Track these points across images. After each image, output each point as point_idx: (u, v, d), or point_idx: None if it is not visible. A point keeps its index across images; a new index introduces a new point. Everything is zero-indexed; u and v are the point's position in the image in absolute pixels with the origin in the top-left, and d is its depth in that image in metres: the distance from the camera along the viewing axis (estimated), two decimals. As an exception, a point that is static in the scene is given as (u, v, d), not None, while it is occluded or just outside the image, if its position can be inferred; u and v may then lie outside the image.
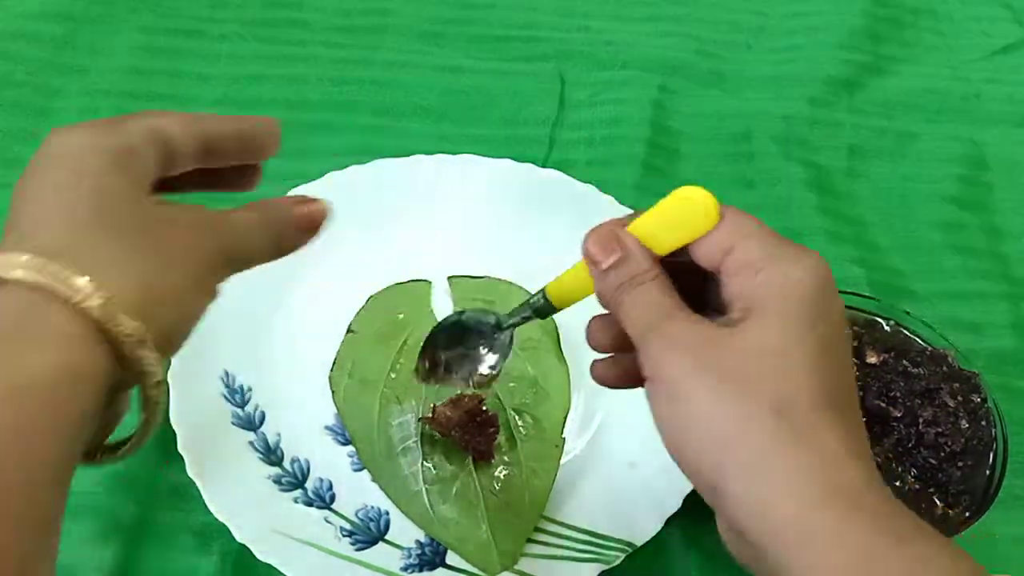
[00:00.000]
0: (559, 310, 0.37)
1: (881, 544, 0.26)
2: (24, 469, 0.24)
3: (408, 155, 0.57)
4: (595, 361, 0.37)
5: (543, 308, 0.37)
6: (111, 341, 0.26)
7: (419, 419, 0.47)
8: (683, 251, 0.32)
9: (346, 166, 0.56)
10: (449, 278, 0.53)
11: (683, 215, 0.32)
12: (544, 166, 0.59)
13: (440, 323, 0.44)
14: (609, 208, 0.55)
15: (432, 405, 0.47)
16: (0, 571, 0.23)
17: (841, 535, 0.26)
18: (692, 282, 0.33)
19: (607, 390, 0.49)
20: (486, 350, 0.43)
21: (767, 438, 0.28)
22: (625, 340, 0.33)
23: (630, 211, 0.55)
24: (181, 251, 0.29)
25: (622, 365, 0.36)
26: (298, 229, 0.35)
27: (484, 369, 0.43)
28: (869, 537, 0.26)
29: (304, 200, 0.35)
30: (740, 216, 0.32)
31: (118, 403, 0.30)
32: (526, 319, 0.39)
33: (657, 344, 0.31)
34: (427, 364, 0.43)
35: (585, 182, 0.57)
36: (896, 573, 0.26)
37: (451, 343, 0.43)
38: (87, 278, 0.26)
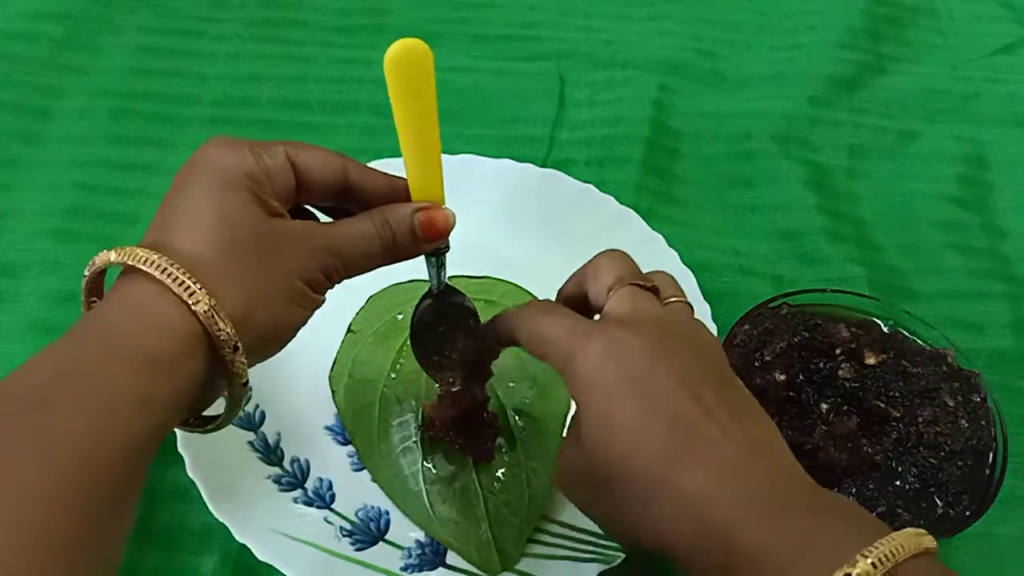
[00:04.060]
0: None
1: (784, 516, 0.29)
2: (138, 434, 0.29)
3: (408, 155, 0.57)
4: None
5: None
6: (211, 341, 0.31)
7: (418, 427, 0.47)
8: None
9: (346, 166, 0.56)
10: (448, 278, 0.53)
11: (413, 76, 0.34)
12: (544, 166, 0.59)
13: (419, 312, 0.43)
14: (609, 208, 0.55)
15: (424, 411, 0.47)
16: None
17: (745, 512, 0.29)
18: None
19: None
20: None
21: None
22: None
23: (631, 211, 0.55)
24: (285, 271, 0.33)
25: None
26: (417, 239, 0.37)
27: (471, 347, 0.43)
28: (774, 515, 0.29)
29: (426, 207, 0.37)
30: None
31: (215, 389, 0.34)
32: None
33: None
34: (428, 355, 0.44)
35: (585, 182, 0.57)
36: (797, 541, 0.28)
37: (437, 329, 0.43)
38: (199, 285, 0.30)
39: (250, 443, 0.45)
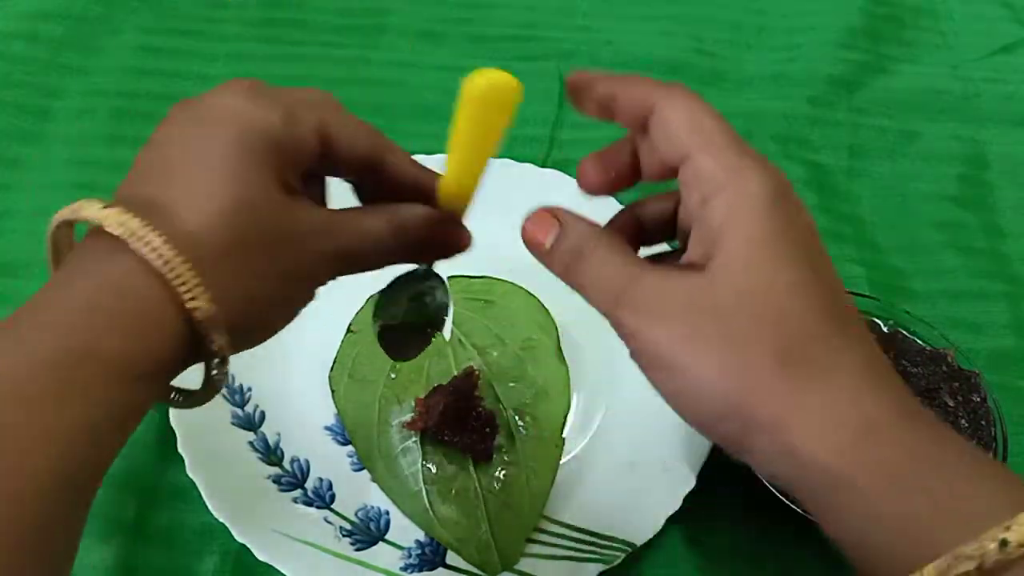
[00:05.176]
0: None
1: (919, 474, 0.25)
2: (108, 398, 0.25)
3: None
4: (583, 163, 0.35)
5: None
6: (195, 344, 0.27)
7: (402, 424, 0.47)
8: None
9: (346, 166, 0.56)
10: (448, 278, 0.53)
11: (492, 112, 0.31)
12: (544, 166, 0.59)
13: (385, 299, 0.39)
14: (609, 208, 0.55)
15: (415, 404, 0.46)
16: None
17: (873, 476, 0.25)
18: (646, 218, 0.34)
19: (607, 390, 0.49)
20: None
21: (781, 389, 0.26)
22: (621, 181, 0.34)
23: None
24: (294, 274, 0.29)
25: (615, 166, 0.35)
26: (428, 254, 0.34)
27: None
28: (904, 469, 0.25)
29: (444, 221, 0.33)
30: (693, 111, 0.32)
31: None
32: None
33: (631, 317, 0.28)
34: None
35: (585, 182, 0.56)
36: (939, 503, 0.25)
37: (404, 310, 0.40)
38: (202, 288, 0.26)
39: (250, 443, 0.45)
